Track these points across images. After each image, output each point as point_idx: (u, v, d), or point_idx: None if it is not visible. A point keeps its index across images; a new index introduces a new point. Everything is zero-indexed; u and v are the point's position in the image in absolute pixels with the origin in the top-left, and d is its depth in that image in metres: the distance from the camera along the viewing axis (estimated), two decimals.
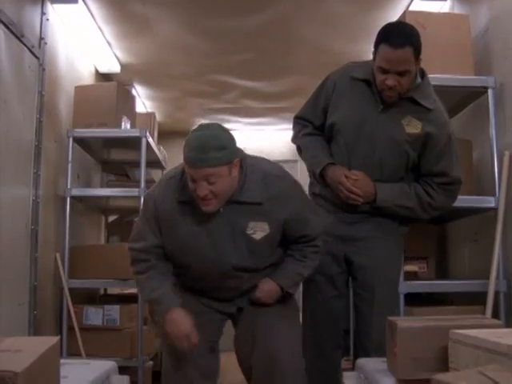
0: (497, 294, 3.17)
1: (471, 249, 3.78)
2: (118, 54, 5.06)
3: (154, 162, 5.04)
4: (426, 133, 2.64)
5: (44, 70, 3.74)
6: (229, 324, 2.64)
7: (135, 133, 4.31)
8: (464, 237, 3.90)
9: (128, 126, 4.47)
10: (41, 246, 3.70)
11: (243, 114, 7.18)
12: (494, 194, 3.26)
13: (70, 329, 3.98)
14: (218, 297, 2.53)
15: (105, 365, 2.43)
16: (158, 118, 6.10)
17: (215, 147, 2.17)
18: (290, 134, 3.03)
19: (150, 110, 6.50)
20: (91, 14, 4.26)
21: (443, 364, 1.87)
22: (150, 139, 4.47)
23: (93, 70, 5.21)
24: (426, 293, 3.68)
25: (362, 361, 2.45)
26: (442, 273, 4.05)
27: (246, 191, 2.33)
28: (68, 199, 4.15)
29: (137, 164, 4.29)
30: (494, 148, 3.30)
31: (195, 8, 4.29)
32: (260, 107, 6.87)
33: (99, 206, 5.34)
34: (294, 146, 3.01)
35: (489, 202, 3.27)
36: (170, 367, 2.46)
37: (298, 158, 3.16)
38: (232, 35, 4.76)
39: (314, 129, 2.89)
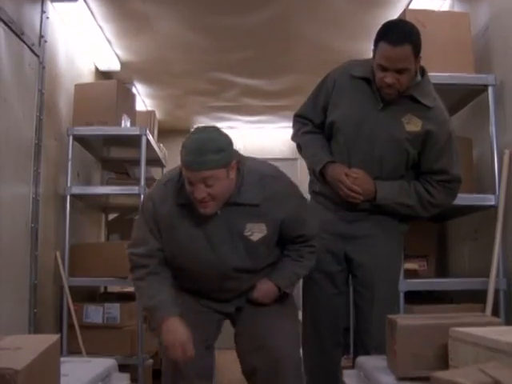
0: (497, 292, 3.16)
1: (471, 247, 3.78)
2: (118, 51, 5.06)
3: (154, 160, 5.04)
4: (426, 131, 2.64)
5: (44, 68, 3.74)
6: (227, 323, 2.64)
7: (135, 131, 4.31)
8: (464, 235, 3.90)
9: (128, 124, 4.47)
10: (41, 244, 3.70)
11: (243, 112, 7.18)
12: (494, 192, 3.26)
13: (70, 327, 3.98)
14: (217, 298, 2.52)
15: (105, 362, 2.44)
16: (158, 116, 6.10)
17: (213, 150, 2.17)
18: (290, 132, 3.03)
19: (150, 108, 6.50)
20: (91, 12, 4.26)
21: (443, 362, 1.87)
22: (150, 137, 4.47)
23: (93, 68, 5.21)
24: (425, 291, 3.68)
25: (361, 359, 2.46)
26: (442, 271, 4.05)
27: (244, 193, 2.34)
28: (68, 197, 4.15)
29: (137, 162, 4.29)
30: (494, 146, 3.29)
31: (195, 5, 4.28)
32: (260, 105, 6.87)
33: (99, 204, 5.35)
34: (293, 144, 3.02)
35: (489, 200, 3.27)
36: (168, 368, 2.46)
37: (297, 156, 3.15)
38: (232, 33, 4.76)
39: (313, 127, 2.89)
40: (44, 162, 3.77)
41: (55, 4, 3.95)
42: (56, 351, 1.77)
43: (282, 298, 2.53)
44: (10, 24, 3.18)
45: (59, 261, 4.06)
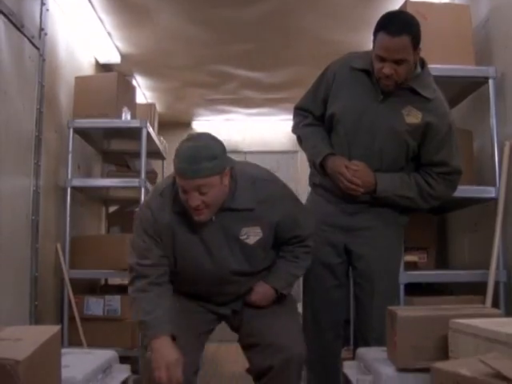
0: (497, 284, 3.17)
1: (471, 239, 3.79)
2: (119, 44, 5.06)
3: (154, 153, 5.05)
4: (426, 123, 2.64)
5: (44, 60, 3.73)
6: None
7: (135, 123, 4.32)
8: (464, 227, 3.91)
9: (128, 117, 4.47)
10: (41, 237, 3.71)
11: (243, 105, 7.18)
12: (494, 185, 3.26)
13: (71, 319, 3.99)
14: (214, 301, 2.52)
15: (106, 354, 2.45)
16: (158, 108, 6.10)
17: (206, 157, 2.15)
18: (290, 124, 3.03)
19: (150, 101, 6.50)
20: (91, 4, 4.25)
21: (443, 353, 1.88)
22: (151, 129, 4.47)
23: (93, 61, 5.21)
24: (425, 283, 3.68)
25: (362, 350, 2.47)
26: (442, 263, 4.05)
27: (238, 198, 2.32)
28: (68, 190, 4.17)
29: (137, 154, 4.30)
30: (494, 138, 3.29)
31: None
32: (260, 98, 6.87)
33: (100, 197, 5.35)
34: (294, 137, 3.01)
35: (489, 192, 3.27)
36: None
37: (298, 148, 3.16)
38: (232, 25, 4.75)
39: (314, 119, 2.89)
40: (44, 155, 3.77)
41: None
42: (57, 342, 1.78)
43: (280, 298, 2.53)
44: (9, 16, 3.17)
45: (60, 253, 4.07)
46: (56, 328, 1.78)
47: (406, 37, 2.47)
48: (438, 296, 3.41)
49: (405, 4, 3.32)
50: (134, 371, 2.56)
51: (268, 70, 5.84)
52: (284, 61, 5.57)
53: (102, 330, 4.01)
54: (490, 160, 3.34)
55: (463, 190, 3.03)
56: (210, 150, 2.17)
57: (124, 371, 2.50)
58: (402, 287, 3.18)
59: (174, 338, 2.25)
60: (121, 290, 4.51)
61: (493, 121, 3.29)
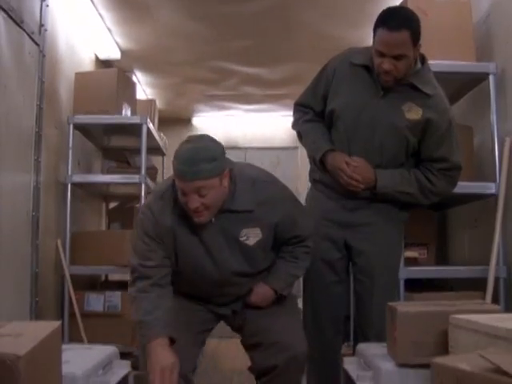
0: (497, 280, 3.17)
1: (471, 235, 3.79)
2: (119, 40, 5.06)
3: (154, 149, 5.04)
4: (426, 119, 2.63)
5: (44, 56, 3.73)
6: None
7: (136, 119, 4.32)
8: (464, 223, 3.91)
9: (128, 113, 4.47)
10: (42, 233, 3.71)
11: (243, 101, 7.18)
12: (494, 181, 3.26)
13: (72, 315, 3.99)
14: (215, 301, 2.52)
15: (106, 350, 2.45)
16: (159, 104, 6.10)
17: (206, 159, 2.14)
18: (291, 120, 3.03)
19: (150, 97, 6.50)
20: (91, 0, 4.25)
21: (443, 348, 1.88)
22: (151, 126, 4.47)
23: (93, 57, 5.21)
24: (426, 279, 3.69)
25: (362, 346, 2.47)
26: (442, 259, 4.06)
27: (237, 199, 2.32)
28: (69, 186, 4.16)
29: (137, 151, 4.30)
30: (494, 134, 3.30)
31: None
32: (260, 94, 6.87)
33: (100, 193, 5.36)
34: (294, 133, 3.01)
35: (489, 188, 3.27)
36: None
37: (298, 144, 3.15)
38: (232, 21, 4.75)
39: (314, 115, 2.89)
40: (44, 151, 3.77)
41: None
42: (57, 338, 1.78)
43: (280, 298, 2.53)
44: (9, 12, 3.17)
45: (60, 249, 4.07)
46: (56, 324, 1.78)
47: (406, 32, 2.47)
48: (438, 292, 3.42)
49: (405, 0, 3.32)
50: (135, 367, 2.56)
51: (268, 66, 5.84)
52: (284, 57, 5.57)
53: (102, 326, 4.01)
54: (490, 156, 3.34)
55: (463, 186, 3.03)
56: (209, 152, 2.17)
57: (124, 367, 2.49)
58: (402, 283, 3.19)
59: (172, 340, 2.24)
60: (121, 285, 4.51)
61: (493, 117, 3.30)
